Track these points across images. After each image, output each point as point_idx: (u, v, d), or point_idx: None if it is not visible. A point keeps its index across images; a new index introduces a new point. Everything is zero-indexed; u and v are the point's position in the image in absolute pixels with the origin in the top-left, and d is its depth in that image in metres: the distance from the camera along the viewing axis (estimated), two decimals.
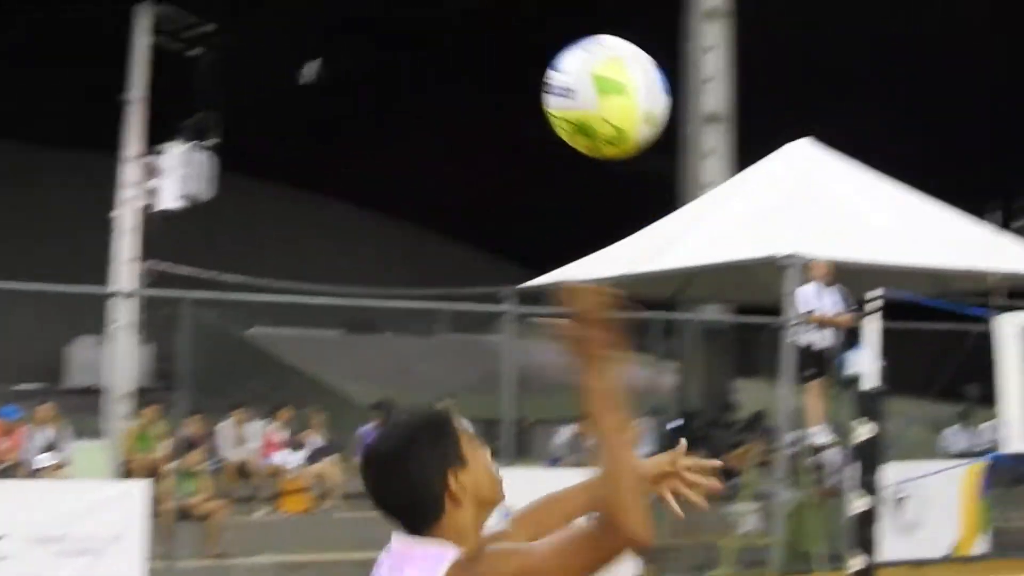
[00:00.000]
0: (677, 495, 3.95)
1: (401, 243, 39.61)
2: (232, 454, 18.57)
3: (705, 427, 21.14)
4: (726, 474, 18.75)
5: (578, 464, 16.32)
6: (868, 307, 15.25)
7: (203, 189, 19.40)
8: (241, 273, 19.96)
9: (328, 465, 18.24)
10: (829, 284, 16.50)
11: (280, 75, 29.74)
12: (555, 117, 4.16)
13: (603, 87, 4.09)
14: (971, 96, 35.62)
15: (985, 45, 34.99)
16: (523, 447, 18.66)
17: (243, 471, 18.45)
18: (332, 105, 32.83)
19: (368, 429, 19.33)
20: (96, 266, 19.75)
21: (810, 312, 16.25)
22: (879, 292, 15.04)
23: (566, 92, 4.12)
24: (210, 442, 18.25)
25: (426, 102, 35.41)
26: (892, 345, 14.79)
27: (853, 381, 15.00)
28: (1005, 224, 22.25)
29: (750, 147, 22.01)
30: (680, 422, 20.56)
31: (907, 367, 15.97)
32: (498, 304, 19.19)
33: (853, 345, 15.39)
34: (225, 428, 18.82)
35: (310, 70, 27.15)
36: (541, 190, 33.94)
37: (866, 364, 14.76)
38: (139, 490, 14.39)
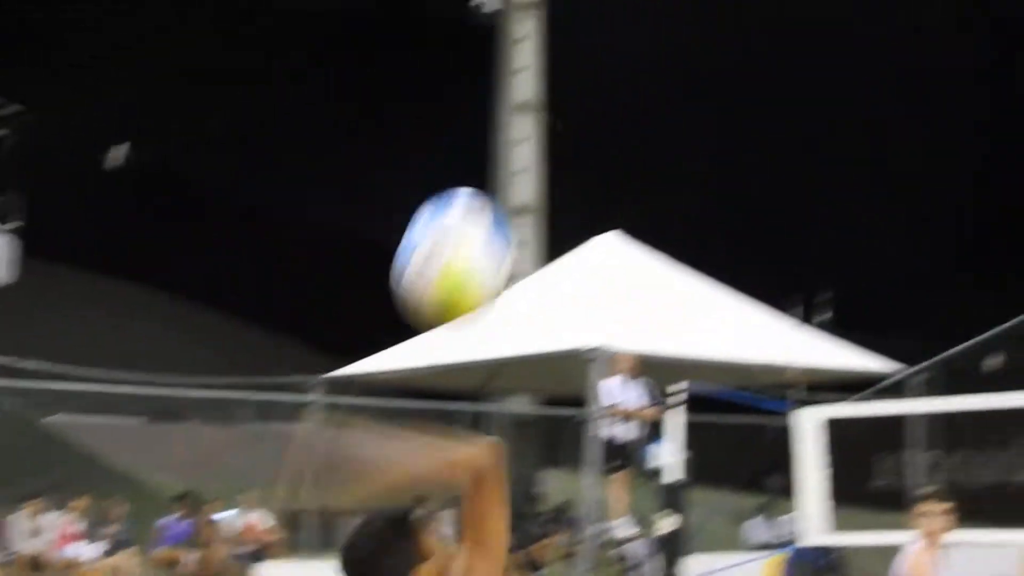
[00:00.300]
0: None
1: (208, 330, 39.08)
2: (25, 546, 18.00)
3: (511, 518, 21.08)
4: (531, 566, 18.71)
5: None
6: (672, 400, 15.43)
7: (4, 273, 18.93)
8: (41, 359, 19.47)
9: (125, 557, 17.79)
10: (635, 377, 16.62)
11: (86, 158, 29.31)
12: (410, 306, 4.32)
13: (451, 286, 4.26)
14: (776, 193, 36.48)
15: (790, 142, 35.92)
16: (328, 538, 18.41)
17: (36, 564, 17.89)
18: (137, 190, 32.43)
19: (170, 521, 18.94)
20: None
21: (614, 405, 16.34)
22: (683, 385, 15.24)
23: (415, 294, 4.31)
24: (2, 534, 17.68)
25: (230, 188, 35.18)
26: (696, 437, 14.96)
27: (657, 473, 15.12)
28: (807, 318, 22.76)
29: (560, 239, 22.22)
30: None
31: (710, 459, 16.16)
32: (305, 393, 19.00)
33: (657, 437, 15.52)
34: (18, 519, 18.25)
35: (117, 154, 26.78)
36: (349, 278, 33.84)
37: (670, 456, 14.91)
38: None
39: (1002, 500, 19.66)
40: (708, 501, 19.11)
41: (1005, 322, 20.81)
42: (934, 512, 10.06)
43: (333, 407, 19.56)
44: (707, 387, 15.70)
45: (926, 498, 10.30)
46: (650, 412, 16.24)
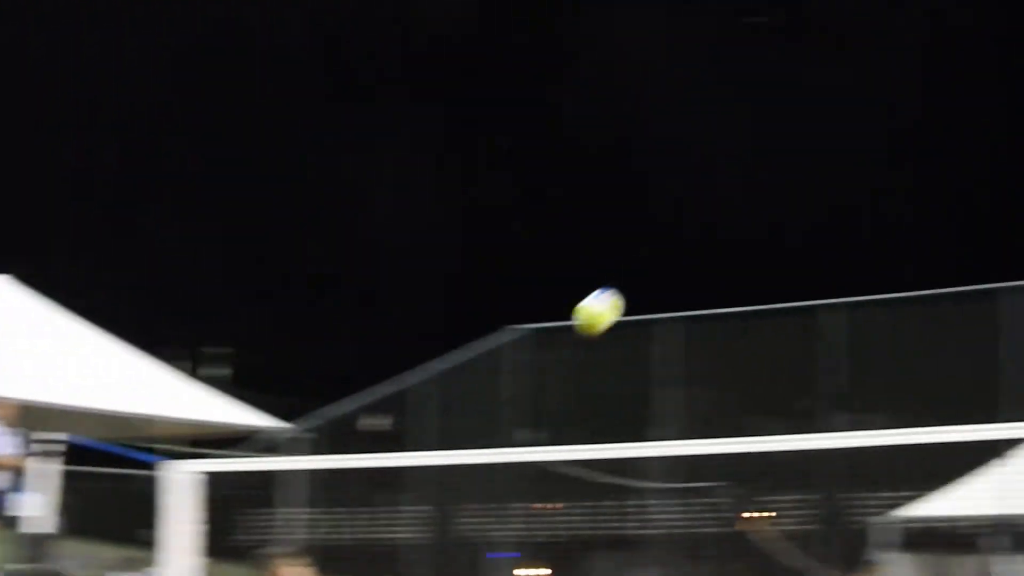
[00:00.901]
0: None
1: None
2: None
3: None
4: None
5: None
6: (44, 448, 15.10)
7: None
8: None
9: None
10: (10, 425, 16.07)
11: None
12: None
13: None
14: (177, 249, 36.46)
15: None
16: None
17: None
18: None
19: None
20: None
21: None
22: (58, 435, 14.94)
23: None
24: None
25: None
26: (68, 487, 14.68)
27: (21, 522, 14.73)
28: (196, 372, 22.84)
29: None
30: None
31: (82, 509, 15.90)
32: None
33: (23, 486, 15.12)
34: None
35: None
36: None
37: (37, 506, 14.57)
38: None
39: (366, 556, 20.45)
40: (78, 553, 18.73)
41: (384, 385, 21.75)
42: (293, 567, 10.33)
43: None
44: (81, 437, 15.42)
45: (287, 554, 10.57)
46: (14, 461, 15.71)
